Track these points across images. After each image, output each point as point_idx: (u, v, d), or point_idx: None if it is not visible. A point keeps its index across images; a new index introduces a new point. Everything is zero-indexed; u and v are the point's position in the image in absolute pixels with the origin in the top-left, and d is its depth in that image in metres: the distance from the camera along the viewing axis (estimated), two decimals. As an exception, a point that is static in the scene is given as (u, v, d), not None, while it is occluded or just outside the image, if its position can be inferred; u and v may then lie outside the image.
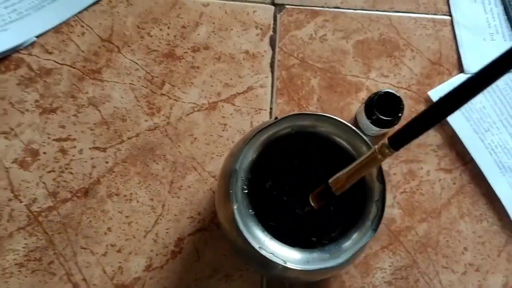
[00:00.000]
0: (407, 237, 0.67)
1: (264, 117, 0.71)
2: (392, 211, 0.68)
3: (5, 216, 0.64)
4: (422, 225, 0.68)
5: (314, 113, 0.50)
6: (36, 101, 0.68)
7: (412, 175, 0.70)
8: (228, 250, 0.66)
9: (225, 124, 0.70)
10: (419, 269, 0.66)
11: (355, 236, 0.49)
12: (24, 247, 0.64)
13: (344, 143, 0.51)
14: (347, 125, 0.50)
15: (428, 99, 0.73)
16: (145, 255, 0.65)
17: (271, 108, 0.72)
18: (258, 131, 0.50)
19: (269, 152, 0.52)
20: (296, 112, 0.51)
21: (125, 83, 0.70)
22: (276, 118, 0.53)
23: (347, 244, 0.49)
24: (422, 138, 0.69)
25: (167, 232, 0.66)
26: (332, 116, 0.50)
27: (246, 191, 0.50)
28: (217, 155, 0.69)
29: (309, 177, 0.55)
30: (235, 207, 0.49)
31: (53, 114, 0.68)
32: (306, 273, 0.49)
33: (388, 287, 0.66)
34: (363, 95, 0.73)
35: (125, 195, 0.66)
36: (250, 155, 0.51)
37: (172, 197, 0.67)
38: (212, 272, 0.65)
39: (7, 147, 0.67)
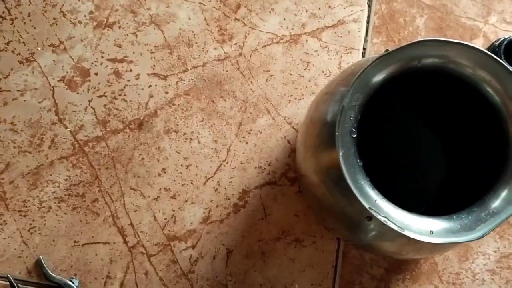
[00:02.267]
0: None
1: (355, 59, 0.59)
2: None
3: (47, 141, 0.55)
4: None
5: (455, 41, 0.38)
6: (91, 12, 0.58)
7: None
8: (301, 211, 0.55)
9: (308, 62, 0.58)
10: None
11: (496, 204, 0.37)
12: (65, 180, 0.55)
13: (490, 89, 0.39)
14: (500, 62, 0.38)
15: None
16: (203, 205, 0.55)
17: (364, 49, 0.59)
18: (376, 59, 0.39)
19: (385, 91, 0.40)
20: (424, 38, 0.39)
21: (194, 2, 0.59)
22: (387, 50, 0.41)
23: (484, 213, 0.37)
24: None
25: (230, 182, 0.56)
26: (480, 48, 0.38)
27: (354, 136, 0.38)
28: (295, 98, 0.58)
29: (434, 128, 0.43)
30: (340, 153, 0.37)
31: (108, 30, 0.58)
32: (422, 248, 0.38)
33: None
34: (479, 43, 0.60)
35: (185, 133, 0.56)
36: (362, 90, 0.39)
37: (240, 141, 0.57)
38: (280, 234, 0.55)
39: (55, 63, 0.57)
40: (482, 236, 0.36)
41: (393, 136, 0.45)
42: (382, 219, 0.36)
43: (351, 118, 0.39)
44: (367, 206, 0.36)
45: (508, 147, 0.38)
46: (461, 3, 0.60)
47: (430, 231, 0.36)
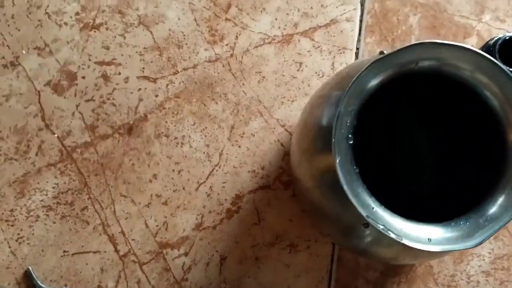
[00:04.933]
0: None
1: (348, 59, 0.58)
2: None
3: (34, 148, 0.54)
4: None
5: (453, 43, 0.37)
6: (77, 13, 0.56)
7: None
8: (296, 215, 0.54)
9: (301, 63, 0.57)
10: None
11: (493, 210, 0.36)
12: (53, 187, 0.53)
13: (487, 92, 0.38)
14: (497, 65, 0.37)
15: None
16: (195, 211, 0.54)
17: (357, 48, 0.58)
18: (372, 62, 0.38)
19: (380, 95, 0.39)
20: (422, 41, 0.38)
21: (183, 2, 0.57)
22: (381, 52, 0.40)
23: (482, 219, 0.36)
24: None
25: (223, 187, 0.55)
26: (478, 51, 0.37)
27: (351, 142, 0.38)
28: (288, 100, 0.57)
29: (431, 132, 0.42)
30: (337, 160, 0.36)
31: (95, 32, 0.56)
32: (422, 254, 0.37)
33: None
34: (473, 42, 0.59)
35: (176, 138, 0.55)
36: (358, 95, 0.38)
37: (232, 145, 0.55)
38: (274, 239, 0.54)
39: (40, 66, 0.55)
40: (480, 243, 0.35)
41: (389, 140, 0.44)
42: (380, 227, 0.35)
43: (347, 124, 0.38)
44: (364, 215, 0.35)
45: (505, 151, 0.37)
46: (454, 1, 0.60)
47: (428, 239, 0.36)
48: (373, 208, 0.36)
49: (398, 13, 0.59)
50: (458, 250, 0.35)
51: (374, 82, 0.38)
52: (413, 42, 0.59)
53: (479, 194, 0.38)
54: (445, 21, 0.59)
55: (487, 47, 0.54)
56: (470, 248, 0.34)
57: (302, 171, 0.45)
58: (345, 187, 0.36)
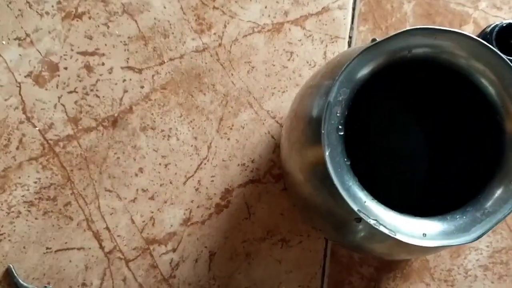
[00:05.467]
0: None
1: (341, 48, 0.56)
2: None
3: (15, 142, 0.52)
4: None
5: (447, 29, 0.36)
6: (59, 2, 0.54)
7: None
8: (287, 209, 0.52)
9: (292, 52, 0.55)
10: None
11: (490, 203, 0.35)
12: (35, 182, 0.51)
13: (484, 80, 0.37)
14: (494, 51, 0.35)
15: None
16: (183, 206, 0.52)
17: (350, 37, 0.57)
18: (363, 50, 0.36)
19: (372, 84, 0.37)
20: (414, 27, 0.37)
21: (170, -10, 0.55)
22: (374, 39, 0.38)
23: (479, 213, 0.35)
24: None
25: (212, 181, 0.53)
26: (473, 37, 0.36)
27: (341, 133, 0.36)
28: (279, 91, 0.55)
29: (425, 123, 0.41)
30: (327, 153, 0.35)
31: (78, 21, 0.54)
32: (417, 249, 0.35)
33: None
34: (469, 30, 0.57)
35: (162, 130, 0.53)
36: (348, 84, 0.37)
37: (221, 137, 0.54)
38: (265, 234, 0.52)
39: (21, 57, 0.53)
40: (477, 238, 0.33)
41: (382, 131, 0.42)
42: (372, 222, 0.33)
43: (338, 115, 0.36)
44: (355, 209, 0.34)
45: (503, 142, 0.35)
46: (450, -13, 0.58)
47: (423, 234, 0.34)
48: (365, 202, 0.34)
49: (392, 0, 0.57)
50: (454, 245, 0.33)
51: (365, 71, 0.37)
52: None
53: (476, 186, 0.37)
54: (440, 8, 0.57)
55: (483, 35, 0.52)
56: (467, 243, 0.33)
57: (292, 164, 0.43)
58: (335, 180, 0.34)
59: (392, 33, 0.57)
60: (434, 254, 0.51)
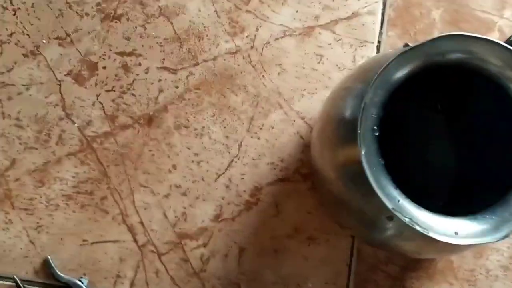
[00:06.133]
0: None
1: (370, 52, 0.58)
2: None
3: (54, 137, 0.54)
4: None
5: (482, 37, 0.37)
6: (98, 4, 0.56)
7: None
8: (314, 208, 0.54)
9: (321, 56, 0.57)
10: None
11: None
12: (73, 177, 0.53)
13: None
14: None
15: None
16: (214, 202, 0.54)
17: (379, 42, 0.58)
18: (400, 53, 0.37)
19: (407, 87, 0.39)
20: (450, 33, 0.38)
21: (204, -7, 0.57)
22: (406, 44, 0.40)
23: (507, 213, 0.36)
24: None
25: (242, 178, 0.54)
26: (507, 46, 0.37)
27: (376, 134, 0.37)
28: (308, 92, 0.56)
29: (457, 126, 0.42)
30: (363, 152, 0.36)
31: (116, 22, 0.56)
32: (446, 248, 0.37)
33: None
34: (494, 37, 0.58)
35: (195, 129, 0.55)
36: (384, 86, 0.38)
37: (251, 137, 0.55)
38: (293, 232, 0.54)
39: (61, 56, 0.55)
40: (506, 237, 0.35)
41: (415, 133, 0.44)
42: (407, 220, 0.35)
43: (373, 115, 0.37)
44: (390, 207, 0.35)
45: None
46: (477, -5, 0.59)
47: (455, 232, 0.35)
48: (398, 200, 0.36)
49: (421, 6, 0.58)
50: (486, 243, 0.34)
51: (400, 74, 0.38)
52: (435, 36, 0.59)
53: (504, 188, 0.38)
54: (467, 15, 0.59)
55: (507, 43, 0.53)
56: (497, 241, 0.34)
57: (324, 163, 0.44)
58: (371, 179, 0.36)
59: (420, 38, 0.59)
60: (459, 255, 0.52)
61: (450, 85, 0.42)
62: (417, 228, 0.35)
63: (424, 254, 0.42)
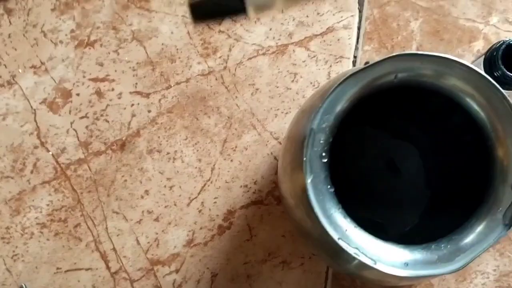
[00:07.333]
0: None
1: (345, 68, 0.56)
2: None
3: (29, 166, 0.54)
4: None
5: (432, 54, 0.35)
6: (72, 31, 0.57)
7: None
8: (289, 231, 0.52)
9: (296, 74, 0.56)
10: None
11: (478, 230, 0.34)
12: (48, 205, 0.54)
13: (473, 104, 0.36)
14: (482, 75, 0.34)
15: None
16: (187, 227, 0.53)
17: (355, 57, 0.56)
18: (348, 76, 0.36)
19: (359, 109, 0.37)
20: (399, 52, 0.36)
21: (177, 15, 0.57)
22: (367, 62, 0.38)
23: (465, 242, 0.34)
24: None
25: (215, 202, 0.54)
26: (459, 60, 0.35)
27: (325, 160, 0.36)
28: (282, 112, 0.55)
29: (416, 146, 0.40)
30: (308, 180, 0.35)
31: (90, 48, 0.57)
32: (400, 279, 0.35)
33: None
34: (479, 46, 0.56)
35: (168, 153, 0.55)
36: (333, 110, 0.36)
37: (224, 159, 0.54)
38: (267, 256, 0.52)
39: (36, 84, 0.56)
40: (460, 269, 0.32)
41: (370, 156, 0.42)
42: (352, 251, 0.33)
43: (321, 142, 0.36)
44: (336, 238, 0.34)
45: (492, 167, 0.34)
46: (459, 3, 0.56)
47: (405, 263, 0.33)
48: (346, 230, 0.34)
49: (399, 18, 0.56)
50: (436, 275, 0.32)
51: (351, 97, 0.37)
52: (414, 48, 0.56)
53: (467, 212, 0.35)
54: (449, 25, 0.56)
55: (490, 52, 0.50)
56: (449, 273, 0.32)
57: (285, 189, 0.43)
58: (316, 208, 0.34)
59: (397, 51, 0.57)
60: (439, 278, 0.50)
61: (408, 106, 0.40)
62: (364, 259, 0.33)
63: (387, 283, 0.40)
